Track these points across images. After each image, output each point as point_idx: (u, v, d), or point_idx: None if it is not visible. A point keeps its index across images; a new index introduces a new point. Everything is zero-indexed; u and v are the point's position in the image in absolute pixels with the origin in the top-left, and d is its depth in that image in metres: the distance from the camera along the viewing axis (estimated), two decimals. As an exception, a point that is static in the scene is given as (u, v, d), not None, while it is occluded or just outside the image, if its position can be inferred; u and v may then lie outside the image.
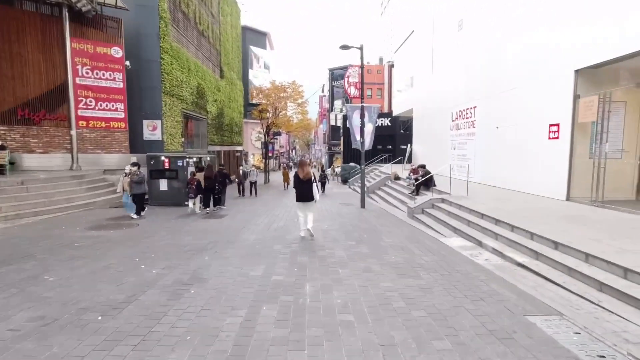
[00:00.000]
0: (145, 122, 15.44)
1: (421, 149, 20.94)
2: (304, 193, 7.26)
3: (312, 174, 7.31)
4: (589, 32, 8.29)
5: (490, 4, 12.77)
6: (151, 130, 15.52)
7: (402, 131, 30.46)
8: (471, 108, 14.12)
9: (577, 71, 8.69)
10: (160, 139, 15.52)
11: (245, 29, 40.90)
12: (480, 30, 13.43)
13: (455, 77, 15.69)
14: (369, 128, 12.75)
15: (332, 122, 46.93)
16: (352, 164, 27.93)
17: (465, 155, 14.76)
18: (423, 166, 13.59)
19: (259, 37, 44.12)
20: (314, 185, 7.22)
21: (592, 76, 8.68)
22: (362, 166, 12.76)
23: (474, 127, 13.92)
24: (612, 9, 7.72)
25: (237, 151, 31.26)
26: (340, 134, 38.43)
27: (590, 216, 7.19)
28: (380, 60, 50.28)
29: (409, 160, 22.12)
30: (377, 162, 25.66)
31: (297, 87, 27.03)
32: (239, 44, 32.07)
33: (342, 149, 34.30)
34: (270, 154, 31.58)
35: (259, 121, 28.39)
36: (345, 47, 12.23)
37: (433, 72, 18.61)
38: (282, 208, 12.35)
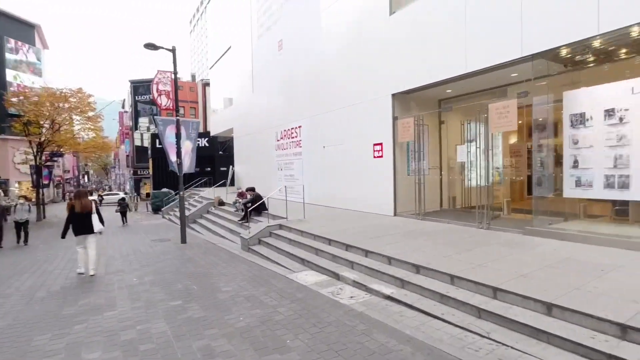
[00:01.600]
0: None
1: (245, 170, 19.79)
2: (83, 225, 6.73)
3: (94, 204, 6.93)
4: (401, 63, 9.03)
5: (308, 28, 12.99)
6: None
7: (221, 152, 28.71)
8: (296, 127, 13.95)
9: (393, 95, 9.35)
10: None
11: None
12: (302, 51, 13.51)
13: (279, 97, 15.38)
14: (188, 147, 10.57)
15: (138, 143, 40.48)
16: (165, 189, 24.08)
17: (293, 175, 14.42)
18: (252, 189, 12.31)
19: (22, 28, 33.59)
20: (94, 216, 6.77)
21: (404, 101, 9.53)
22: (181, 192, 10.38)
23: (300, 146, 13.75)
24: (410, 44, 8.60)
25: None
26: (148, 156, 33.24)
27: (424, 229, 7.49)
28: (193, 77, 47.28)
29: (232, 183, 20.60)
30: (197, 187, 22.96)
31: (85, 97, 21.45)
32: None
33: (151, 173, 29.51)
34: (46, 181, 23.76)
35: (24, 138, 20.94)
36: (152, 46, 9.77)
37: (254, 90, 17.94)
38: (60, 261, 8.57)
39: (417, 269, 5.09)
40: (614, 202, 6.95)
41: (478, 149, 7.91)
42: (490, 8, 6.98)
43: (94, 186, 74.52)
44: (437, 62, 8.08)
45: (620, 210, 6.95)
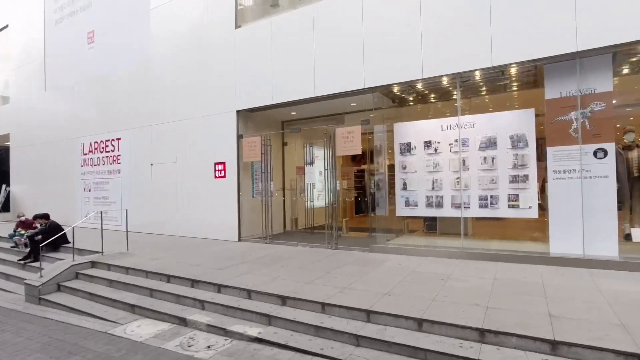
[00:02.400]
0: None
1: (29, 192, 14.89)
2: None
3: None
4: (248, 80, 8.63)
5: (132, 24, 11.06)
6: None
7: (-14, 167, 20.95)
8: (114, 140, 11.43)
9: (238, 112, 8.79)
10: None
11: None
12: (123, 50, 11.33)
13: (88, 100, 12.36)
14: None
15: None
16: None
17: (107, 198, 11.64)
18: (45, 216, 9.18)
19: None
20: None
21: (249, 119, 9.10)
22: None
23: (119, 162, 11.30)
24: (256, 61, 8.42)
25: None
26: None
27: (275, 254, 7.03)
28: None
29: (6, 208, 15.19)
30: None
31: None
32: None
33: None
34: None
35: None
36: None
37: (48, 89, 13.92)
38: None
39: (283, 300, 4.57)
40: (425, 219, 8.41)
41: (326, 171, 8.20)
42: (336, 40, 7.45)
43: None
44: (286, 83, 8.05)
45: (430, 225, 8.44)
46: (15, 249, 9.15)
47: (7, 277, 7.90)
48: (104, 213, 11.86)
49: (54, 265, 6.65)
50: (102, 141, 11.84)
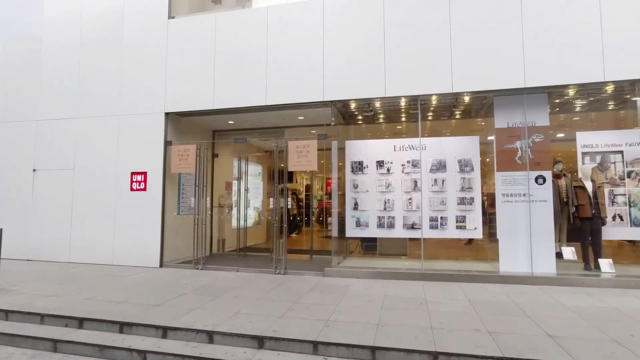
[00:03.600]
0: None
1: None
2: None
3: None
4: (184, 79, 7.45)
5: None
6: None
7: None
8: (-26, 136, 8.61)
9: (167, 114, 7.48)
10: None
11: None
12: (2, 25, 8.82)
13: None
14: None
15: None
16: None
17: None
18: None
19: None
20: None
21: (179, 124, 7.84)
22: None
23: (-20, 166, 8.51)
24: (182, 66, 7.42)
25: None
26: None
27: (217, 282, 5.88)
28: None
29: None
30: None
31: None
32: None
33: None
34: None
35: None
36: None
37: None
38: None
39: (260, 341, 3.68)
40: (362, 239, 8.27)
41: (265, 188, 7.43)
42: (294, 47, 6.97)
43: None
44: (232, 87, 7.16)
45: (368, 246, 8.31)
46: None
47: None
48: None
49: None
50: (-47, 137, 8.82)
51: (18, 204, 8.17)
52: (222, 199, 9.44)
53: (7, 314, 4.40)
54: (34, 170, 8.06)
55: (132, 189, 7.44)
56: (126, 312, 4.32)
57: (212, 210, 9.04)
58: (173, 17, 7.68)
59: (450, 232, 6.81)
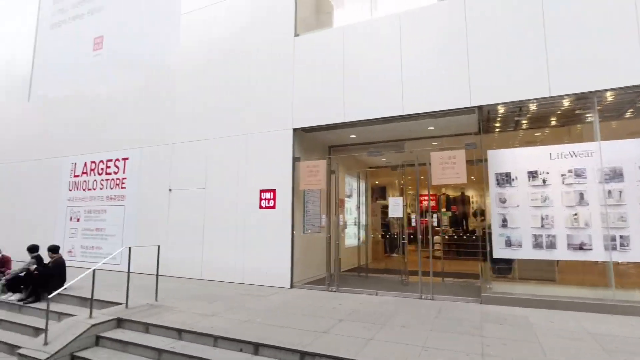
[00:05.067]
0: None
1: (-10, 221, 12.19)
2: None
3: None
4: (310, 94, 7.37)
5: (154, 30, 9.64)
6: None
7: None
8: (119, 160, 9.51)
9: (295, 130, 7.40)
10: None
11: None
12: (139, 57, 9.78)
13: (84, 111, 10.45)
14: None
15: None
16: None
17: (103, 230, 9.47)
18: (32, 249, 7.06)
19: None
20: None
21: (305, 140, 7.74)
22: None
23: (124, 187, 9.32)
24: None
25: None
26: None
27: (368, 308, 5.38)
28: None
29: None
30: None
31: None
32: None
33: None
34: None
35: None
36: None
37: (32, 99, 11.85)
38: None
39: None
40: (493, 260, 7.17)
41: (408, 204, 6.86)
42: (431, 51, 6.45)
43: None
44: (363, 99, 6.84)
45: (502, 269, 7.18)
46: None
47: (-24, 338, 5.60)
48: (97, 249, 9.71)
49: (63, 326, 4.59)
50: (101, 161, 9.85)
51: (152, 222, 8.70)
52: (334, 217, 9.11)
53: (180, 333, 4.34)
54: (170, 190, 8.55)
55: (261, 207, 7.42)
56: (297, 339, 3.96)
57: (329, 229, 8.72)
58: (298, 35, 7.70)
59: (636, 253, 5.51)
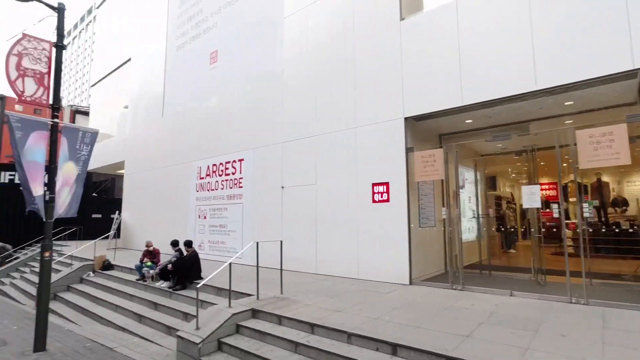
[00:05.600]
0: None
1: (139, 219, 14.55)
2: None
3: None
4: (421, 79, 6.90)
5: (261, 35, 10.19)
6: None
7: (95, 194, 21.84)
8: (235, 161, 10.36)
9: (406, 119, 7.02)
10: None
11: None
12: (248, 64, 10.47)
13: (206, 121, 11.65)
14: (70, 172, 6.06)
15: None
16: (-1, 243, 16.30)
17: (225, 226, 10.45)
18: (175, 244, 8.07)
19: None
20: None
21: (416, 128, 7.31)
22: (47, 252, 5.60)
23: (241, 186, 10.12)
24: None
25: None
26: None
27: (499, 309, 4.81)
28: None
29: (118, 235, 14.92)
30: (56, 239, 16.10)
31: None
32: None
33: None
34: None
35: None
36: (24, -11, 5.53)
37: (165, 114, 13.70)
38: None
39: None
40: None
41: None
42: (571, 10, 5.43)
43: None
44: (485, 77, 6.12)
45: None
46: (142, 282, 8.04)
47: (141, 319, 6.62)
48: (219, 244, 10.80)
49: (208, 313, 5.09)
50: (220, 163, 10.87)
51: (267, 218, 9.24)
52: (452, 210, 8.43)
53: (312, 327, 4.42)
54: (282, 187, 8.96)
55: (374, 201, 7.24)
56: (438, 342, 3.66)
57: (447, 222, 8.12)
58: (403, 19, 7.28)
59: None
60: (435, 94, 6.63)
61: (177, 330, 5.34)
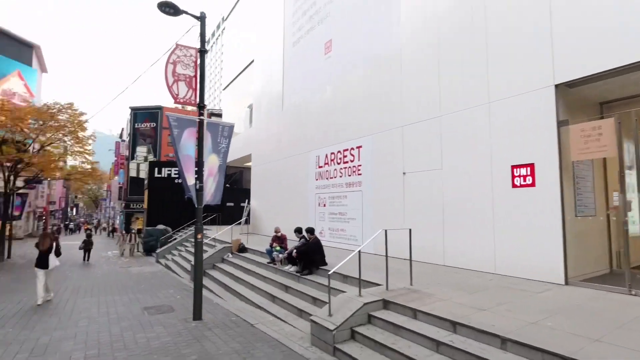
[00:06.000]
0: None
1: (264, 207, 15.91)
2: (42, 261, 7.74)
3: (54, 244, 7.91)
4: (563, 39, 5.61)
5: (374, 19, 9.79)
6: None
7: (227, 185, 24.88)
8: (353, 149, 10.32)
9: (557, 87, 5.82)
10: None
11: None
12: (363, 50, 10.22)
13: (323, 110, 11.90)
14: (213, 164, 6.84)
15: (133, 174, 36.57)
16: (161, 226, 19.92)
17: (345, 214, 10.56)
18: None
19: (18, 47, 30.91)
20: (51, 255, 7.79)
21: (569, 98, 6.02)
22: (199, 234, 6.42)
23: (360, 173, 10.03)
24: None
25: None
26: (143, 188, 29.26)
27: None
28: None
29: (247, 221, 16.62)
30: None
31: (77, 114, 18.10)
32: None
33: (146, 206, 25.45)
34: (17, 212, 19.62)
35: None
36: (169, 6, 6.32)
37: (285, 107, 14.55)
38: None
39: None
40: None
41: None
42: None
43: (83, 219, 69.65)
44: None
45: None
46: (272, 265, 8.67)
47: (273, 299, 7.12)
48: (339, 231, 10.97)
49: (339, 301, 5.10)
50: (338, 151, 10.97)
51: (388, 205, 8.92)
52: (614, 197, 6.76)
53: (454, 325, 3.99)
54: (404, 173, 8.52)
55: (514, 186, 6.26)
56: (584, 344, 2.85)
57: (621, 211, 6.56)
58: (550, -35, 5.99)
59: None
60: (604, 50, 5.28)
61: (309, 313, 5.52)
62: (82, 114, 18.38)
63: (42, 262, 7.74)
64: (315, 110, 12.32)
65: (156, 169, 23.74)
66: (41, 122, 17.01)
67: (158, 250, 16.84)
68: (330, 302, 4.88)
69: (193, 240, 15.92)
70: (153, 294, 8.66)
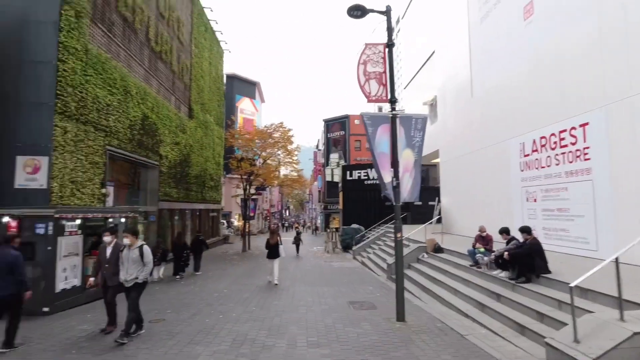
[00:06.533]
0: (20, 160, 9.17)
1: (455, 204, 14.73)
2: (273, 253, 9.98)
3: (279, 239, 10.19)
4: None
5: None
6: (30, 173, 9.21)
7: (415, 184, 24.50)
8: (575, 128, 8.17)
9: None
10: (45, 186, 9.12)
11: (233, 77, 37.22)
12: (582, 5, 7.99)
13: (525, 88, 10.00)
14: (408, 159, 6.61)
15: (328, 178, 41.22)
16: (355, 225, 21.41)
17: (566, 210, 8.46)
18: (506, 231, 7.26)
19: (247, 86, 40.18)
20: (280, 247, 10.09)
21: None
22: (398, 233, 6.31)
23: (587, 158, 7.84)
24: None
25: (211, 210, 24.69)
26: (338, 190, 32.43)
27: None
28: (380, 109, 46.28)
29: (439, 221, 15.80)
30: (392, 223, 19.20)
31: (287, 131, 21.79)
32: (220, 87, 26.92)
33: (341, 207, 28.04)
34: (252, 214, 25.16)
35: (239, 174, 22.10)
36: (358, 10, 6.50)
37: (474, 94, 13.09)
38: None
39: None
40: None
41: None
42: None
43: (293, 219, 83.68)
44: None
45: None
46: (476, 268, 7.76)
47: (483, 307, 6.29)
48: (560, 232, 8.85)
49: (587, 323, 3.85)
50: (552, 134, 8.91)
51: (630, 199, 6.53)
52: None
53: None
54: (668, 152, 6.08)
55: None
56: None
57: None
58: None
59: None
60: None
61: (535, 332, 4.55)
62: (289, 129, 22.01)
63: (273, 254, 9.96)
64: (514, 90, 10.49)
65: (348, 173, 25.79)
66: (263, 141, 21.31)
67: (354, 248, 18.13)
68: (575, 323, 3.78)
69: (384, 239, 16.43)
70: (354, 288, 9.20)
